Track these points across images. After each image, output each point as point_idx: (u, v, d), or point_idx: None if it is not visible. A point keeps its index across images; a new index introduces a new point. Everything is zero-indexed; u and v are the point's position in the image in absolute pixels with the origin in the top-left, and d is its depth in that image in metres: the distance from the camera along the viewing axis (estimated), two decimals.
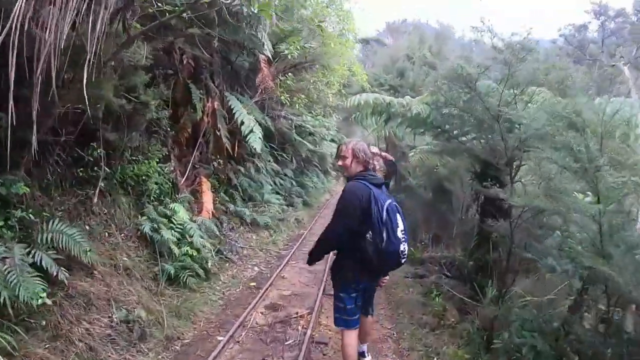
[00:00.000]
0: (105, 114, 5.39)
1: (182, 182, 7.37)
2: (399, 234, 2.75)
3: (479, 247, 6.31)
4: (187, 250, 6.00)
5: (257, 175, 10.15)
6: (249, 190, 9.65)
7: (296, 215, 12.09)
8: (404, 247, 2.78)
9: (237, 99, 8.15)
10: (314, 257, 3.28)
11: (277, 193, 12.48)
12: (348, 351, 3.11)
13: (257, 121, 8.40)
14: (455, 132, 5.80)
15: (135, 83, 5.72)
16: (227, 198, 8.79)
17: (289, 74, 8.71)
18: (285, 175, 13.60)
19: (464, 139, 5.81)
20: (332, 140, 23.32)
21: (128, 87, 5.66)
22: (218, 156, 8.48)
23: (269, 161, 11.61)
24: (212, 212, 8.06)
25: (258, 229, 9.25)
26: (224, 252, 7.39)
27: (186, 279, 5.79)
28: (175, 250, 5.86)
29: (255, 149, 7.10)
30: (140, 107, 5.68)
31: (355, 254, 2.88)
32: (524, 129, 4.40)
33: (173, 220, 6.32)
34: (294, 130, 12.89)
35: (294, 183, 14.37)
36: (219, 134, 7.39)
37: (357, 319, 3.13)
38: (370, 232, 2.77)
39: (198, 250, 6.17)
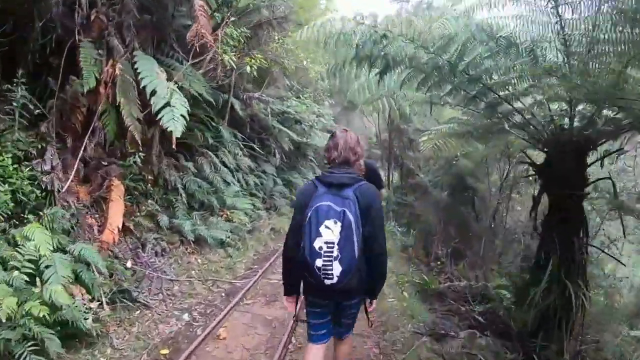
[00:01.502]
0: None
1: (65, 188, 4.78)
2: (317, 244, 2.19)
3: (549, 292, 3.65)
4: (29, 308, 3.43)
5: (213, 175, 7.52)
6: (198, 194, 7.04)
7: (274, 223, 9.46)
8: (323, 263, 2.18)
9: (160, 61, 5.56)
10: (285, 285, 2.58)
11: (252, 195, 9.88)
12: None
13: (196, 94, 5.81)
14: (507, 90, 3.12)
15: None
16: (158, 207, 6.20)
17: (231, 24, 5.96)
18: (264, 172, 10.98)
19: (520, 105, 3.12)
20: (330, 132, 20.73)
21: None
22: (141, 147, 5.89)
23: (238, 155, 8.96)
24: (127, 229, 5.50)
25: (207, 248, 6.65)
26: (135, 294, 4.82)
27: (25, 358, 3.25)
28: (9, 307, 3.29)
29: (171, 131, 4.47)
30: None
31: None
32: None
33: (19, 254, 3.75)
34: (269, 116, 10.19)
35: (277, 181, 11.74)
36: (123, 111, 4.80)
37: (320, 334, 2.57)
38: None
39: (53, 307, 3.59)
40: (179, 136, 4.47)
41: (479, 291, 5.69)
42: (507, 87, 3.07)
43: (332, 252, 2.18)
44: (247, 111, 9.91)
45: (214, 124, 8.06)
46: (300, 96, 13.57)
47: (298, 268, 2.34)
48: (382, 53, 3.20)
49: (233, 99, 8.87)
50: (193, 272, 6.00)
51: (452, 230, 7.85)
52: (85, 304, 4.11)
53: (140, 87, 4.68)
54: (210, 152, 7.70)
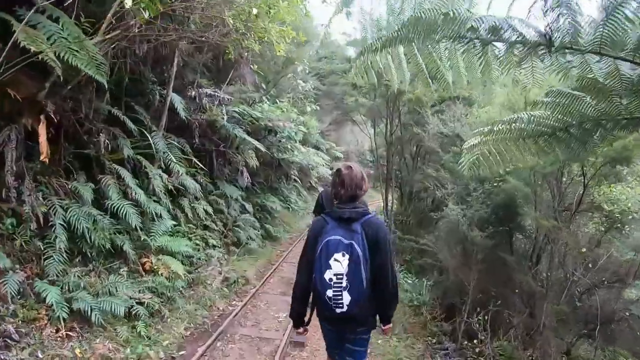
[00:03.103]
0: None
1: None
2: (327, 276, 2.29)
3: None
4: None
5: (123, 203, 4.93)
6: (93, 234, 4.44)
7: (230, 268, 6.83)
8: (333, 293, 2.28)
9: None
10: (293, 317, 2.58)
11: (206, 228, 7.32)
12: None
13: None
14: None
15: None
16: (8, 261, 3.60)
17: None
18: (226, 196, 8.40)
19: None
20: (317, 148, 18.32)
21: None
22: None
23: (180, 173, 6.37)
24: None
25: (97, 326, 4.03)
26: None
27: None
28: None
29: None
30: None
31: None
32: None
33: None
34: (225, 120, 7.58)
35: (245, 207, 9.18)
36: None
37: (332, 351, 2.65)
38: None
39: None
40: None
41: None
42: None
43: (341, 283, 2.27)
44: (201, 115, 7.40)
45: (135, 127, 5.50)
46: (278, 101, 11.14)
47: (307, 299, 2.44)
48: None
49: (174, 94, 6.35)
50: None
51: (491, 288, 5.32)
52: None
53: None
54: (125, 170, 5.11)
